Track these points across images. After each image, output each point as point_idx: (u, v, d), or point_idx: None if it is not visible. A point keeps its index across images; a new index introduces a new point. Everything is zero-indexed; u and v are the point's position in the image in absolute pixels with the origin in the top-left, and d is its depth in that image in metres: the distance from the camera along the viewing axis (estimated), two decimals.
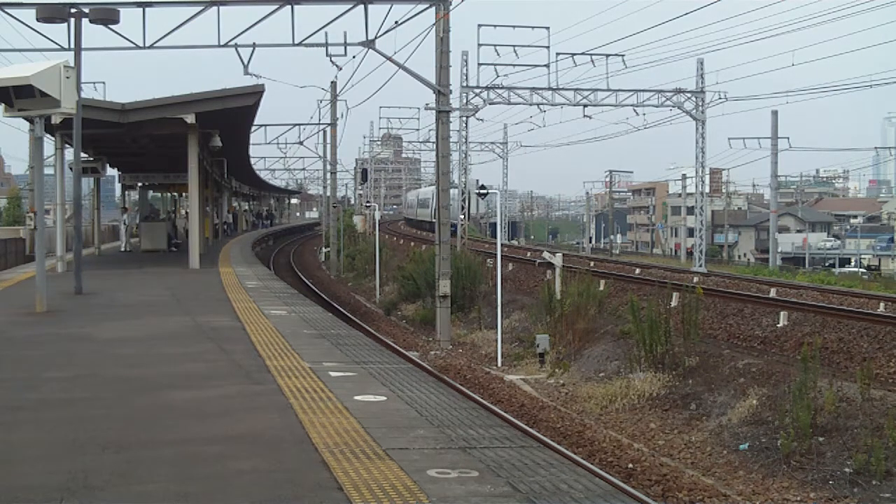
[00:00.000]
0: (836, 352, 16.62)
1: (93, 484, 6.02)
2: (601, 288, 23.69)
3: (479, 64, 39.45)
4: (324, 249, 52.63)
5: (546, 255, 25.98)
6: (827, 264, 78.77)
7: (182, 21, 22.93)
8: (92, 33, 21.52)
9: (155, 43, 22.95)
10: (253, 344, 12.09)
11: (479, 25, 37.53)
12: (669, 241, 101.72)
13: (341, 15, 23.13)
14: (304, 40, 23.51)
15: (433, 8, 21.91)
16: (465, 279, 25.74)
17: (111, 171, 41.39)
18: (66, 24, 20.76)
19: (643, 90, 40.80)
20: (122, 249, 37.02)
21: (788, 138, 59.86)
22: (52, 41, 22.34)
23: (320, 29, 23.54)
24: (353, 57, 35.92)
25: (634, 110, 41.39)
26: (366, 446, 6.93)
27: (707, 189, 53.61)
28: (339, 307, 28.04)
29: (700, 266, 41.73)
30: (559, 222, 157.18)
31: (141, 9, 22.51)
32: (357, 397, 8.75)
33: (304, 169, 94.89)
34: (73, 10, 20.41)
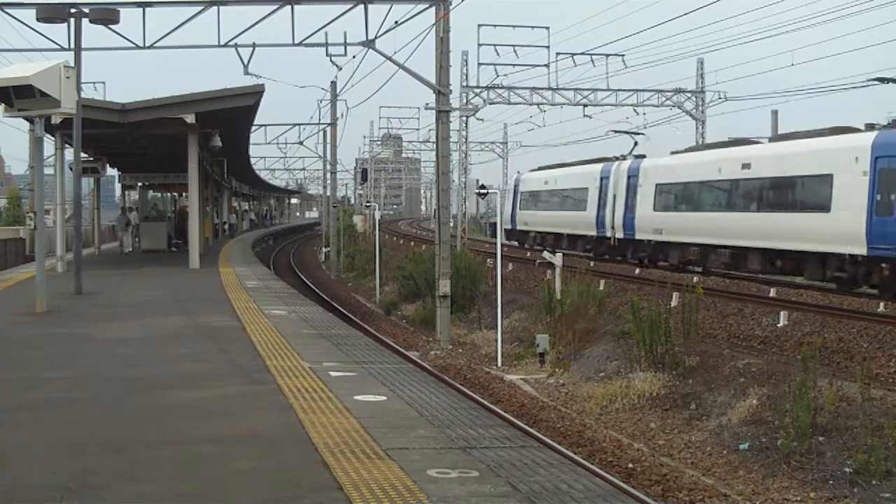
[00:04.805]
0: (836, 351, 16.61)
1: (93, 484, 6.02)
2: (601, 288, 23.69)
3: (479, 64, 39.45)
4: (324, 249, 52.64)
5: (546, 255, 25.97)
6: None
7: (182, 21, 22.95)
8: (92, 33, 21.53)
9: (155, 43, 22.96)
10: (253, 344, 12.09)
11: (479, 25, 37.56)
12: None
13: (341, 15, 23.15)
14: (304, 40, 23.51)
15: (433, 8, 21.91)
16: (465, 279, 25.73)
17: (111, 171, 41.43)
18: (66, 24, 20.76)
19: (643, 90, 40.79)
20: (127, 251, 36.47)
21: None
22: (52, 41, 22.36)
23: (320, 29, 23.57)
24: (353, 57, 35.91)
25: (634, 110, 41.37)
26: (366, 446, 6.93)
27: None
28: (339, 307, 28.04)
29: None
30: None
31: (141, 9, 22.52)
32: (357, 397, 8.75)
33: (304, 169, 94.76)
34: (73, 10, 20.41)
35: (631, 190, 33.57)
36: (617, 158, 36.37)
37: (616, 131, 40.83)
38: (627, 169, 34.37)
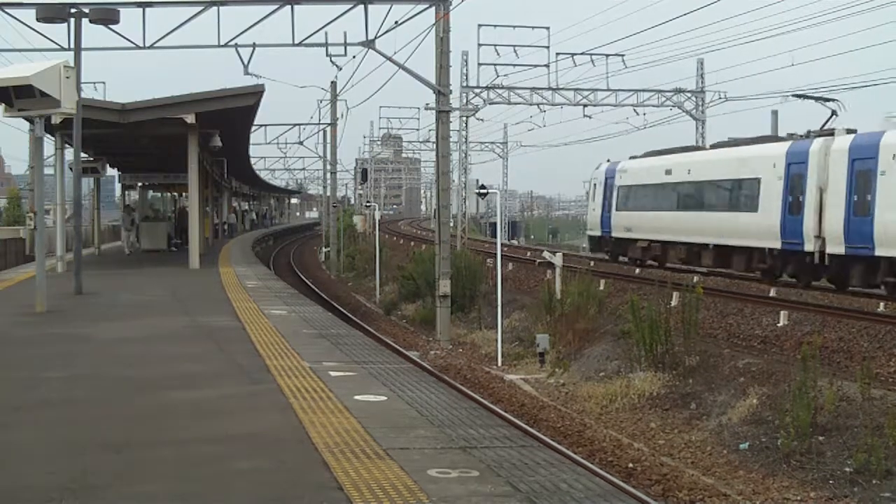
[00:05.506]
0: (836, 351, 16.62)
1: (93, 484, 6.02)
2: (601, 288, 23.70)
3: (480, 64, 39.49)
4: (324, 249, 52.65)
5: (546, 254, 25.98)
6: None
7: (182, 21, 22.96)
8: (92, 33, 21.52)
9: (155, 43, 22.96)
10: (253, 344, 12.09)
11: (479, 25, 37.65)
12: None
13: (341, 15, 23.14)
14: (304, 40, 23.51)
15: (433, 8, 21.91)
16: (465, 279, 25.74)
17: (111, 171, 41.42)
18: (66, 24, 20.76)
19: (643, 90, 40.87)
20: (128, 252, 36.04)
21: None
22: (52, 41, 22.36)
23: (320, 29, 23.56)
24: (353, 57, 35.89)
25: (634, 110, 41.48)
26: (366, 446, 6.93)
27: None
28: (339, 307, 28.03)
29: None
30: (559, 222, 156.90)
31: (141, 9, 22.54)
32: (357, 397, 8.75)
33: (304, 169, 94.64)
34: (73, 10, 20.41)
35: (858, 179, 22.58)
36: (804, 136, 25.82)
37: (797, 96, 29.24)
38: (849, 148, 23.08)
